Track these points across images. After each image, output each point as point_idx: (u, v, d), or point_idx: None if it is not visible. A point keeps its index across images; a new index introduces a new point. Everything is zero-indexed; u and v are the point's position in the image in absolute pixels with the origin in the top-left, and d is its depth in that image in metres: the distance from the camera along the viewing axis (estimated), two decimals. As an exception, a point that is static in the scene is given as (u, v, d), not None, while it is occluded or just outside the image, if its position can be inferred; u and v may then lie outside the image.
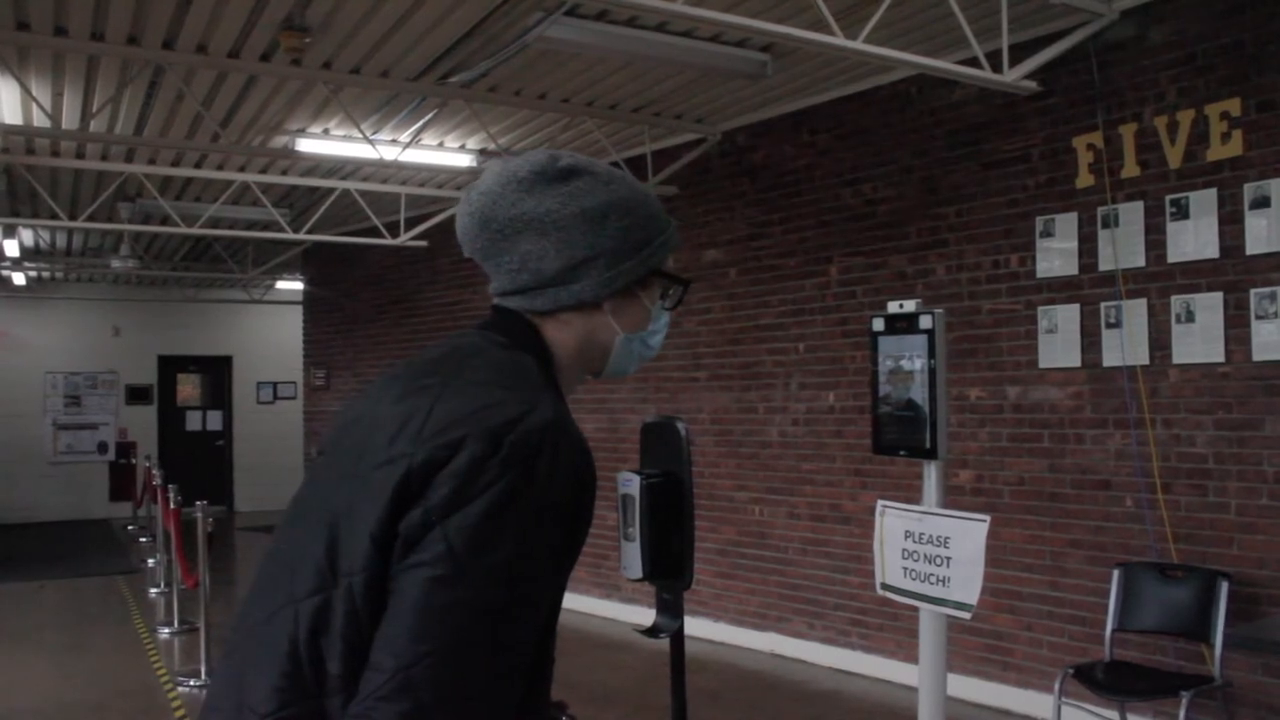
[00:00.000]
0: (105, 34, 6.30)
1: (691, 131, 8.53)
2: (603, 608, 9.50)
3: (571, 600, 10.08)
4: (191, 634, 8.64)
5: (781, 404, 8.05)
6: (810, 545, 7.80)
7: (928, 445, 3.91)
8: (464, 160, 9.18)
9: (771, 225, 8.16)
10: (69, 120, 8.04)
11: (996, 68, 5.85)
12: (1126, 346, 5.91)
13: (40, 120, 7.91)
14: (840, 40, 5.26)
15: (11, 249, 14.05)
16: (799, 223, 7.93)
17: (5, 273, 16.05)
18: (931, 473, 4.04)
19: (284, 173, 10.00)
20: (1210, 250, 5.60)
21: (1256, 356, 5.41)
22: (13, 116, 8.00)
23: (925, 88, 7.01)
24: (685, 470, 5.27)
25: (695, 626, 7.55)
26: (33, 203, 11.23)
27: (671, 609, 5.49)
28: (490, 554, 1.29)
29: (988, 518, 3.76)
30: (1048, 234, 6.33)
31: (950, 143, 6.91)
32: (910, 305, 3.88)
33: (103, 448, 17.66)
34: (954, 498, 6.39)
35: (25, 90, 7.17)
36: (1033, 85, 6.06)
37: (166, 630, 9.10)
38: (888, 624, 7.15)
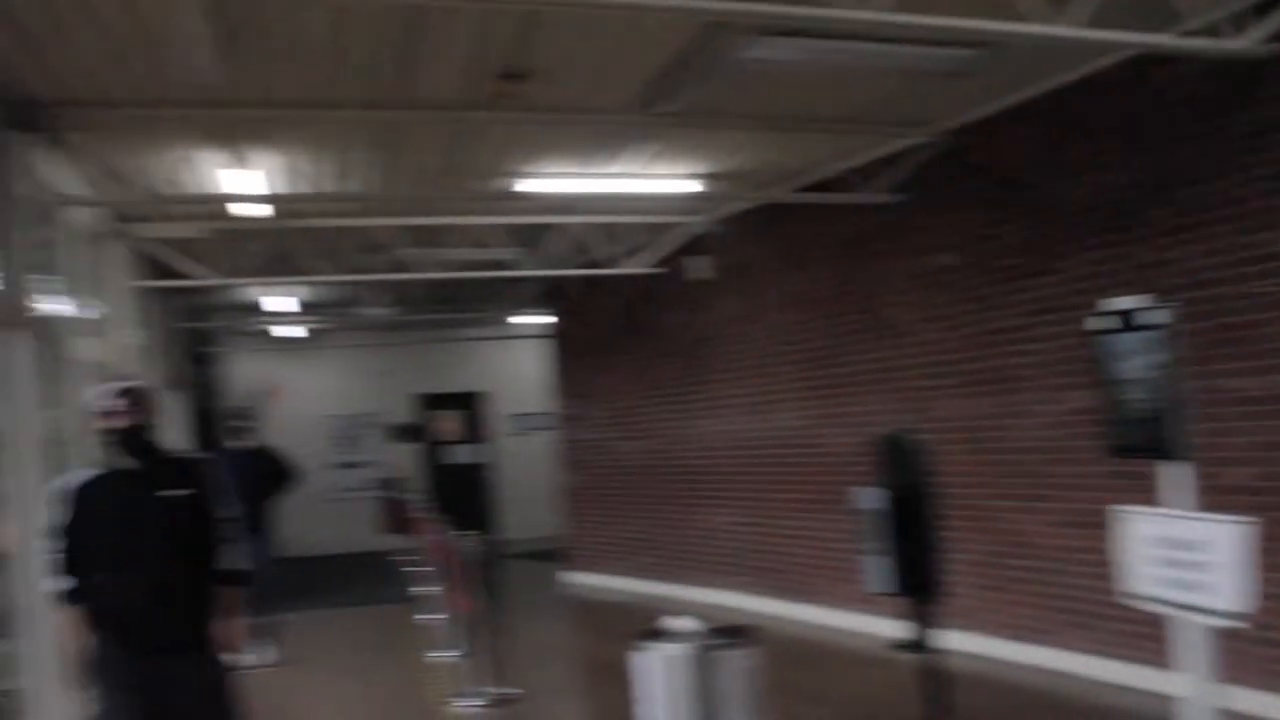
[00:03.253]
0: (343, 103, 6.76)
1: (913, 136, 8.33)
2: (860, 622, 9.33)
3: (831, 617, 10.01)
4: (469, 658, 9.04)
5: (1030, 407, 7.71)
6: (1074, 554, 7.41)
7: (1168, 446, 3.66)
8: (691, 186, 9.27)
9: (1003, 224, 7.86)
10: (326, 184, 8.63)
11: (1231, 33, 5.42)
12: None
13: (301, 186, 8.54)
14: (1046, 28, 5.02)
15: (289, 305, 15.21)
16: (1028, 220, 7.62)
17: (282, 328, 17.39)
18: (1176, 474, 3.78)
19: (519, 213, 10.38)
20: None
21: None
22: (280, 185, 8.67)
23: (1149, 67, 6.57)
24: (927, 482, 5.15)
25: (960, 640, 7.29)
26: (299, 262, 12.10)
27: (924, 622, 5.37)
28: None
29: (1249, 519, 3.47)
30: (1313, 206, 5.82)
31: (1184, 120, 6.46)
32: (1136, 301, 3.65)
33: (375, 484, 18.76)
34: (1224, 497, 5.90)
35: (287, 161, 7.75)
36: (1271, 48, 5.56)
37: (444, 654, 9.55)
38: (1158, 632, 6.68)
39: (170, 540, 4.25)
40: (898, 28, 5.20)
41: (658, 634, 4.71)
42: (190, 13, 4.90)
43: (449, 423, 19.88)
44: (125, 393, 4.28)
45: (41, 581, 4.48)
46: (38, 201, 6.69)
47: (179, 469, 4.43)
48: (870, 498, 5.14)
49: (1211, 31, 5.45)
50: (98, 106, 6.54)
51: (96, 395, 4.32)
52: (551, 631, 11.38)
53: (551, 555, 15.13)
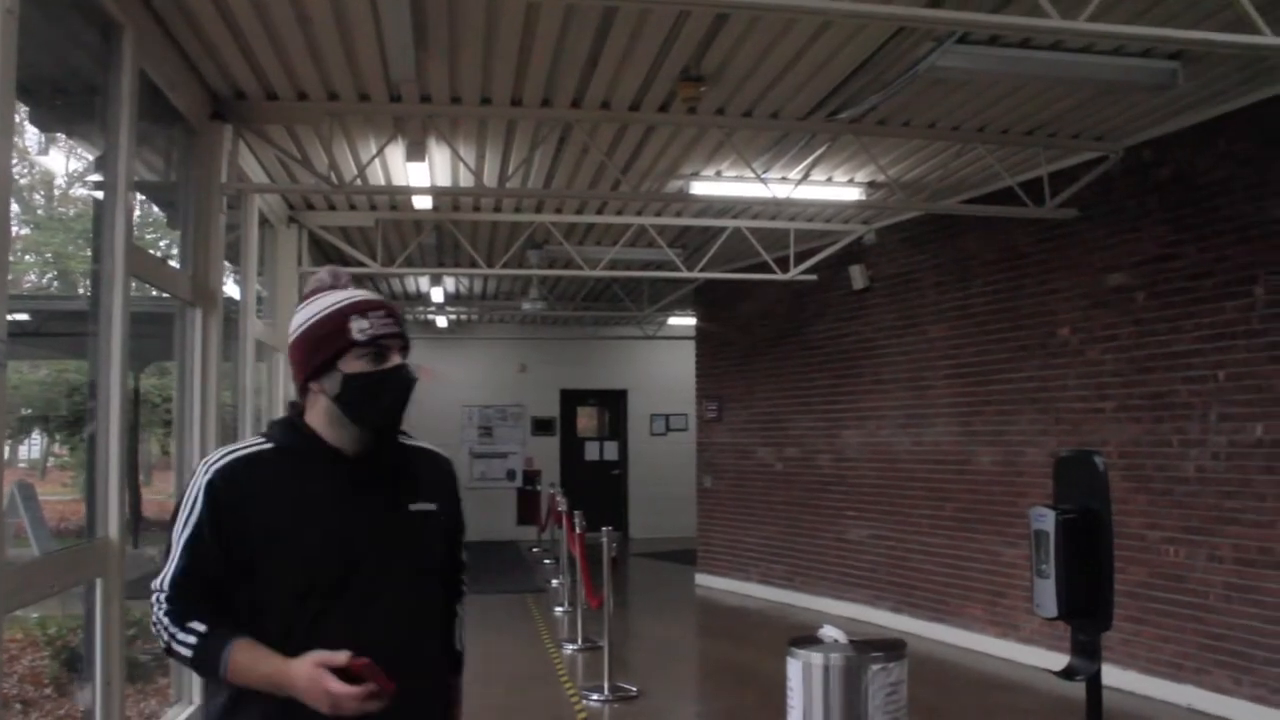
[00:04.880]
0: (522, 99, 6.91)
1: (1091, 150, 8.12)
2: (999, 647, 9.16)
3: (967, 639, 9.86)
4: (594, 651, 9.15)
5: (1199, 436, 7.45)
6: (1235, 591, 7.15)
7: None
8: (853, 194, 9.22)
9: (1184, 244, 7.60)
10: (489, 178, 8.83)
11: None
12: None
13: (465, 180, 8.76)
14: (1268, 39, 4.84)
15: (437, 295, 15.60)
16: (1216, 240, 7.34)
17: (431, 316, 17.83)
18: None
19: (678, 214, 10.45)
20: None
21: None
22: (443, 179, 8.90)
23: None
24: (1104, 506, 5.02)
25: (1104, 672, 7.11)
26: (455, 253, 12.40)
27: (1088, 651, 5.23)
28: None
29: None
30: None
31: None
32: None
33: (511, 475, 19.12)
34: None
35: (455, 154, 7.96)
36: None
37: (571, 646, 9.69)
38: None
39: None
40: (1101, 37, 5.08)
41: (809, 641, 4.68)
42: (393, 11, 5.09)
43: (588, 419, 20.21)
44: None
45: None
46: (231, 188, 7.00)
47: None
48: (1045, 518, 5.03)
49: None
50: (293, 99, 6.84)
51: None
52: (676, 631, 11.43)
53: (685, 556, 15.19)
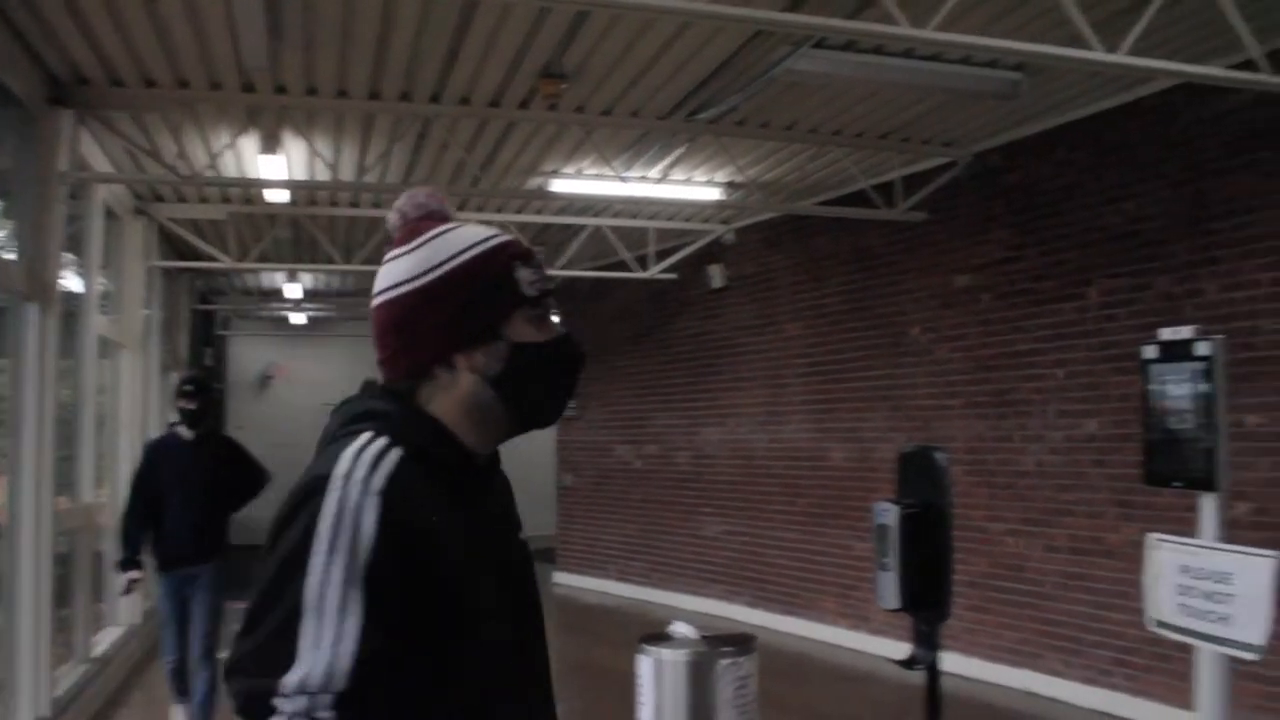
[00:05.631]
0: (380, 93, 6.81)
1: (941, 155, 8.41)
2: (850, 639, 9.39)
3: (820, 631, 10.06)
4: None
5: (1039, 432, 7.78)
6: (1070, 579, 7.49)
7: (1205, 476, 3.73)
8: (712, 194, 9.35)
9: (1027, 248, 7.93)
10: (347, 172, 8.67)
11: (1277, 69, 5.50)
12: None
13: (322, 173, 8.59)
14: (1099, 54, 5.10)
15: (294, 292, 15.25)
16: (1057, 244, 7.68)
17: (287, 313, 17.42)
18: (1209, 505, 3.85)
19: (539, 212, 10.44)
20: None
21: None
22: (300, 172, 8.71)
23: (1193, 96, 6.64)
24: (945, 500, 5.19)
25: (946, 660, 7.36)
26: (312, 249, 12.14)
27: (928, 641, 5.41)
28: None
29: (1275, 553, 3.54)
30: (1336, 248, 5.90)
31: (1224, 153, 6.53)
32: (1185, 332, 3.71)
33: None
34: (1231, 531, 6.00)
35: (311, 148, 7.80)
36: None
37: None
38: (1156, 665, 6.76)
39: None
40: (949, 46, 5.27)
41: (659, 638, 4.73)
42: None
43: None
44: None
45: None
46: (72, 177, 6.72)
47: None
48: (888, 513, 5.18)
49: (1263, 65, 5.51)
50: (140, 86, 6.60)
51: None
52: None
53: (544, 555, 15.16)
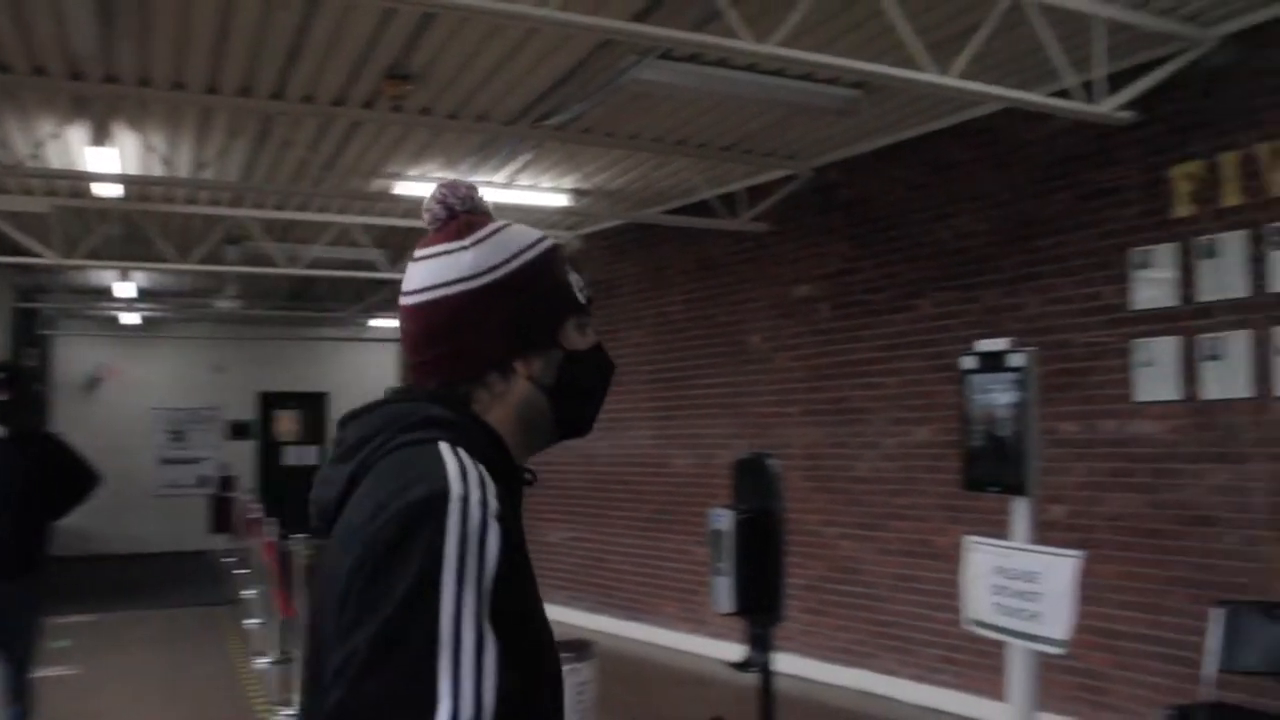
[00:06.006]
0: (220, 87, 6.62)
1: (782, 168, 8.62)
2: (690, 642, 9.52)
3: (662, 636, 10.13)
4: (287, 665, 8.84)
5: (873, 439, 8.04)
6: (901, 581, 7.76)
7: (1017, 481, 3.93)
8: (559, 200, 9.38)
9: (863, 260, 8.19)
10: (183, 168, 8.40)
11: (1091, 98, 5.85)
12: (1227, 379, 5.83)
13: (156, 168, 8.30)
14: (931, 76, 5.33)
15: (125, 291, 14.66)
16: (891, 258, 7.96)
17: (118, 313, 16.73)
18: (1020, 509, 4.05)
19: (384, 214, 10.29)
20: (1314, 281, 5.52)
21: (1363, 390, 5.31)
22: (132, 165, 8.39)
23: (1017, 120, 7.00)
24: (778, 506, 5.32)
25: (783, 662, 7.54)
26: (145, 246, 11.69)
27: (762, 644, 5.54)
28: None
29: (1078, 553, 3.76)
30: (1144, 265, 6.28)
31: (1044, 175, 6.90)
32: (1001, 344, 3.91)
33: (203, 481, 18.18)
34: (1047, 533, 6.30)
35: (145, 141, 7.53)
36: (1129, 115, 6.04)
37: (263, 660, 9.32)
38: (979, 660, 7.07)
39: None
40: (790, 62, 5.41)
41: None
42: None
43: (289, 422, 19.50)
44: None
45: None
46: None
47: None
48: (723, 518, 5.28)
49: (1088, 91, 5.85)
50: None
51: None
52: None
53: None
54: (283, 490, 17.82)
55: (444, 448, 1.28)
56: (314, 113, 7.07)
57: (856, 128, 7.71)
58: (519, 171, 8.74)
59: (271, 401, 19.05)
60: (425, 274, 1.45)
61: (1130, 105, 6.05)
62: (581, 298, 1.50)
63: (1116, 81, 6.01)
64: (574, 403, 1.49)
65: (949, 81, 5.39)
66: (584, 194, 9.44)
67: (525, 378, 1.44)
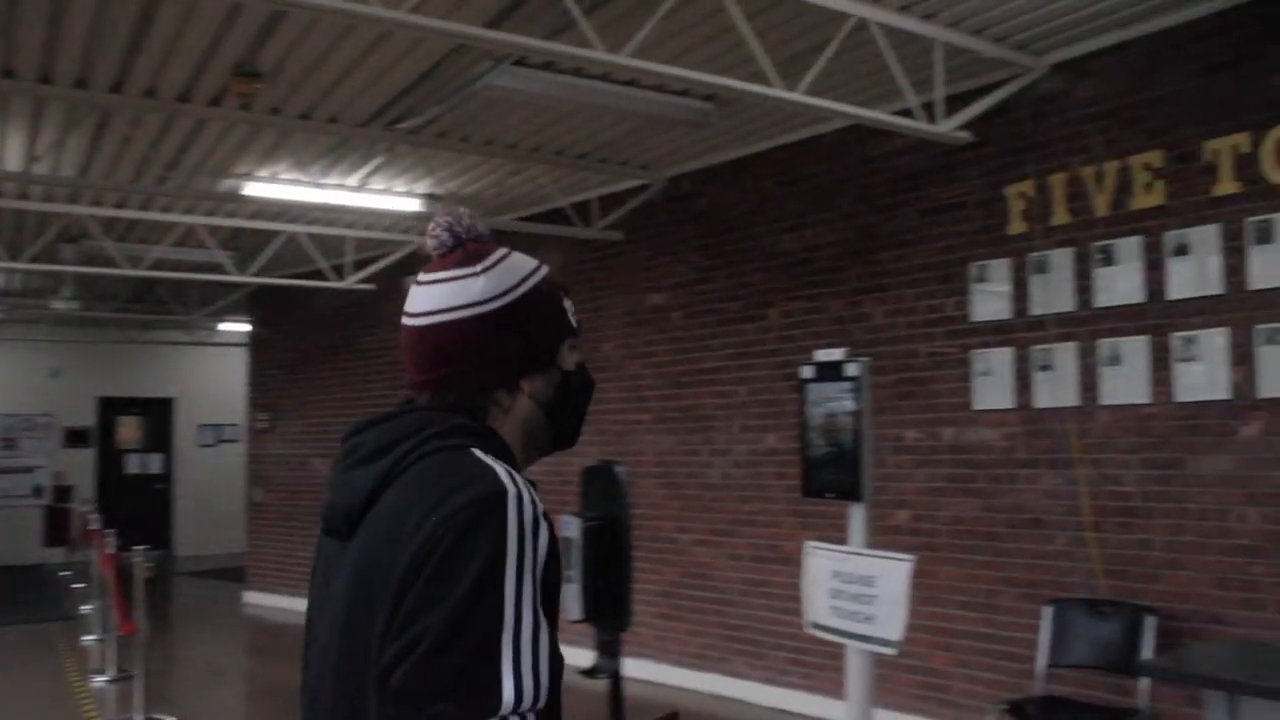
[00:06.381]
0: (53, 77, 6.34)
1: (636, 177, 8.69)
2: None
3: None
4: (127, 682, 8.52)
5: (724, 446, 8.16)
6: (751, 586, 7.90)
7: (853, 487, 4.05)
8: (412, 205, 9.25)
9: (715, 270, 8.31)
10: (12, 162, 8.02)
11: (932, 119, 6.07)
12: (1057, 389, 6.10)
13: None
14: (779, 91, 5.45)
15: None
16: (742, 267, 8.09)
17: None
18: (857, 514, 4.17)
19: (231, 215, 10.00)
20: (1136, 295, 5.82)
21: (1179, 398, 5.62)
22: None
23: (864, 137, 7.21)
24: (625, 513, 5.37)
25: (637, 668, 7.60)
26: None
27: (610, 650, 5.57)
28: None
29: (911, 557, 3.89)
30: (981, 279, 6.53)
31: (888, 190, 7.12)
32: (838, 353, 4.02)
33: (38, 491, 17.38)
34: (892, 537, 6.53)
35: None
36: (966, 136, 6.29)
37: (101, 679, 8.96)
38: (827, 663, 7.23)
39: None
40: (643, 73, 5.47)
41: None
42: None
43: (130, 429, 18.77)
44: None
45: None
46: None
47: None
48: (571, 525, 5.29)
49: (930, 112, 6.06)
50: None
51: None
52: (221, 654, 10.94)
53: (234, 574, 14.51)
54: (126, 500, 17.20)
55: (480, 454, 1.41)
56: (157, 108, 6.83)
57: (709, 139, 7.83)
58: (371, 175, 8.61)
59: (113, 407, 18.33)
60: (437, 298, 1.54)
61: (968, 126, 6.30)
62: (573, 320, 1.64)
63: (955, 103, 6.25)
64: (568, 418, 1.64)
65: (796, 97, 5.52)
66: (437, 199, 9.33)
67: (528, 395, 1.57)
